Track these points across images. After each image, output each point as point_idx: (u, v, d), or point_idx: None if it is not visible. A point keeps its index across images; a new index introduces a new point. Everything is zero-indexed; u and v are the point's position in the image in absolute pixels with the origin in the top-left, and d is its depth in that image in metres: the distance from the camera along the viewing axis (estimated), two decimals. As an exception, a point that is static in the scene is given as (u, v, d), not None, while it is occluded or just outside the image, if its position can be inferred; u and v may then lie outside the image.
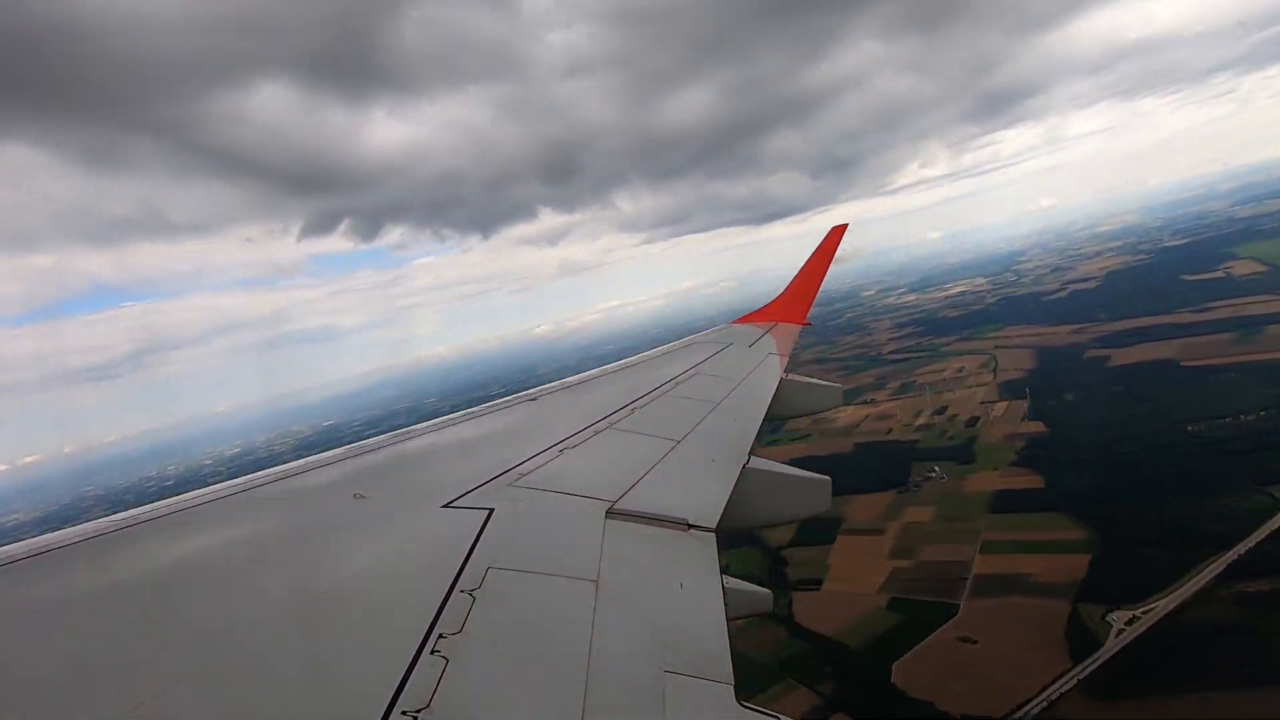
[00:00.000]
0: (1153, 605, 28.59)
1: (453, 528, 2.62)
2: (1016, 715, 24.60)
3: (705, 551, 2.77)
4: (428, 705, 1.48)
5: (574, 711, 1.58)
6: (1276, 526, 31.73)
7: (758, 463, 4.07)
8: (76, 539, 2.48)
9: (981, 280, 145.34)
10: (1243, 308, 66.56)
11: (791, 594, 37.18)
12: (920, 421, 60.57)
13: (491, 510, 2.76)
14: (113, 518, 2.74)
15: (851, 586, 36.26)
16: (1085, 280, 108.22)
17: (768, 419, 5.56)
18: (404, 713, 1.44)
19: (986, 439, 51.67)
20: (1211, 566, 30.29)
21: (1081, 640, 27.61)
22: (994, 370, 69.92)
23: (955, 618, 31.24)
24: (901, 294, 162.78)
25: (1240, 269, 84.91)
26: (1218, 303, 70.89)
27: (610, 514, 2.94)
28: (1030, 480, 42.65)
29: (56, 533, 2.59)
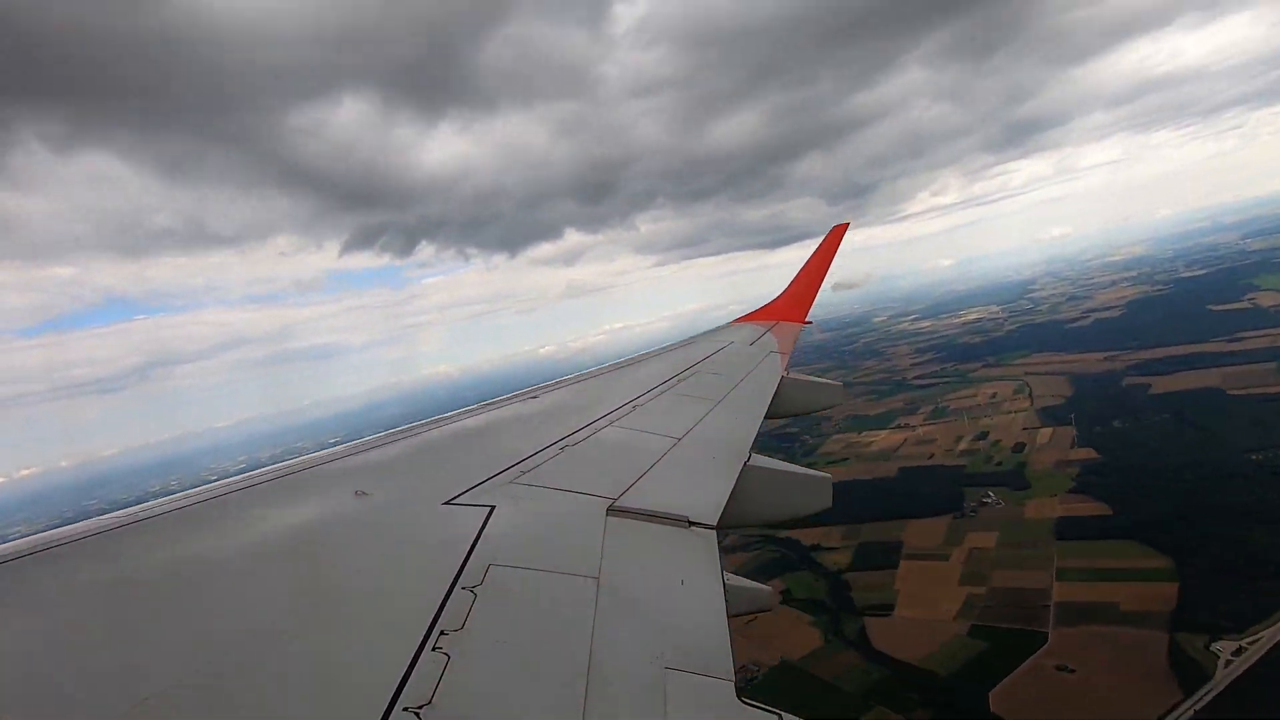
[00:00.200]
0: (1258, 635, 28.13)
1: (454, 525, 2.61)
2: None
3: (706, 549, 2.78)
4: (430, 702, 1.47)
5: (575, 708, 1.58)
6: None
7: (759, 460, 4.07)
8: (78, 536, 2.45)
9: (996, 307, 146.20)
10: (1278, 338, 66.90)
11: (863, 619, 36.60)
12: (962, 447, 60.27)
13: (493, 508, 2.75)
14: (115, 514, 2.72)
15: (926, 613, 35.62)
16: (1107, 309, 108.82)
17: (769, 416, 5.55)
18: (406, 709, 1.43)
19: (1037, 465, 51.32)
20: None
21: (1188, 671, 27.05)
22: (1030, 396, 69.78)
23: (1045, 646, 30.66)
24: (914, 320, 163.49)
25: (1265, 300, 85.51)
26: (1250, 333, 71.22)
27: (611, 511, 2.93)
28: (1094, 507, 42.24)
29: (58, 530, 2.56)
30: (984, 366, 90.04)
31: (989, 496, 47.66)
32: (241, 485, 3.14)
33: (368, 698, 1.49)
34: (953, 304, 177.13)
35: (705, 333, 9.92)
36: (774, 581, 43.62)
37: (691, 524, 2.96)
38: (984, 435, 61.50)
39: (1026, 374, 79.60)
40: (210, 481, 3.27)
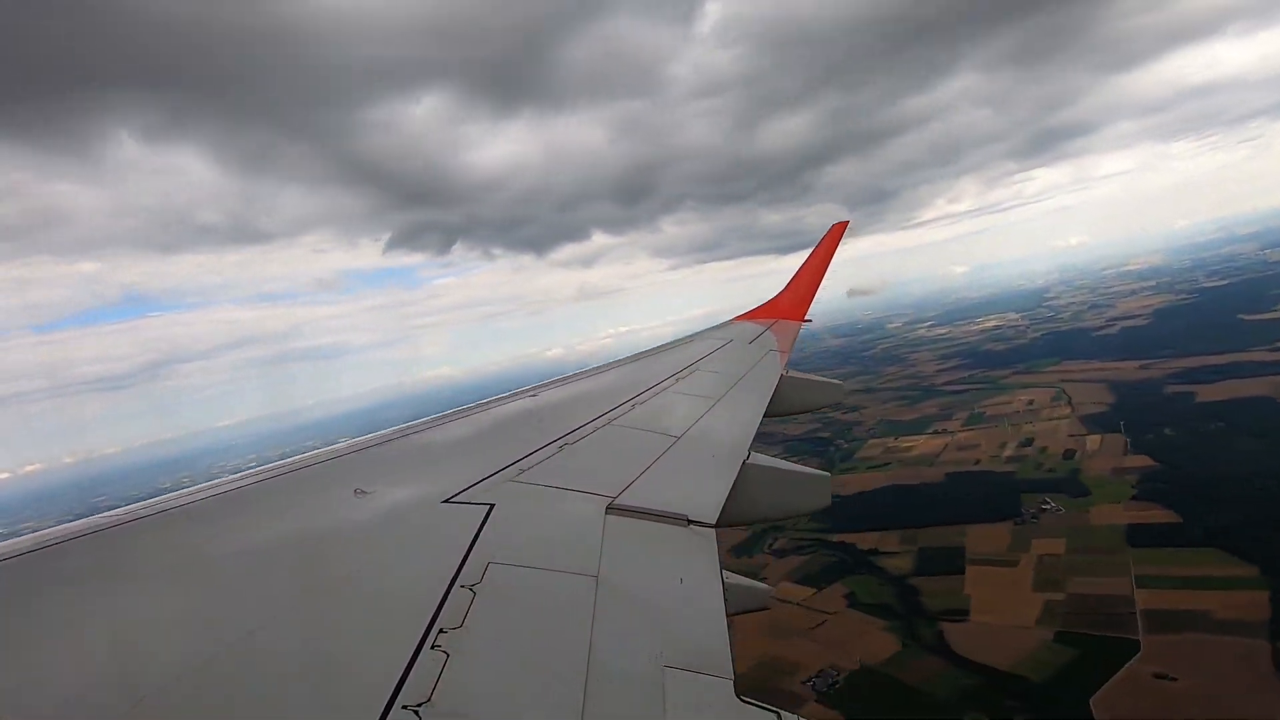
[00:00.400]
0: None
1: (453, 523, 2.61)
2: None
3: (705, 547, 2.79)
4: (429, 700, 1.47)
5: (574, 706, 1.57)
6: None
7: (758, 458, 4.07)
8: (78, 534, 2.44)
9: (1014, 315, 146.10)
10: (1319, 348, 66.80)
11: (938, 624, 36.24)
12: (1008, 453, 59.92)
13: (492, 506, 2.76)
14: (114, 512, 2.71)
15: (1004, 618, 35.25)
16: (1132, 317, 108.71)
17: (768, 415, 5.56)
18: (405, 707, 1.43)
19: (1092, 472, 51.01)
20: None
21: (1298, 680, 26.76)
22: (1070, 404, 69.53)
23: (1139, 654, 30.33)
24: (931, 326, 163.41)
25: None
26: (1289, 342, 71.12)
27: (610, 510, 2.93)
28: (1162, 514, 41.92)
29: (57, 528, 2.55)
30: (1015, 373, 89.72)
31: (1048, 503, 47.35)
32: (241, 484, 3.11)
33: (367, 695, 1.48)
34: (968, 311, 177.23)
35: (705, 330, 9.82)
36: (835, 585, 43.37)
37: (691, 522, 2.97)
38: (1029, 442, 61.18)
39: (1061, 381, 79.35)
40: (219, 478, 3.28)
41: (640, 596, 2.33)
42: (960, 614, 36.71)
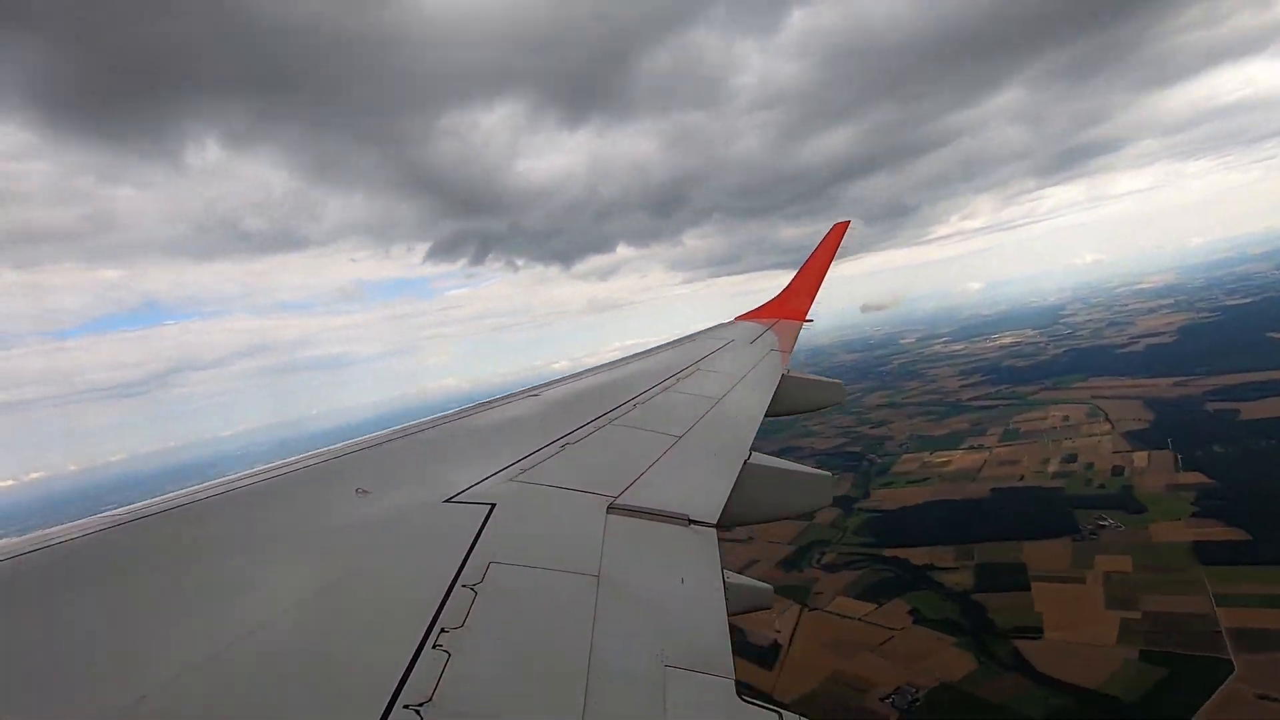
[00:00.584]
0: None
1: (455, 523, 2.61)
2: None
3: (706, 547, 2.78)
4: (430, 699, 1.47)
5: (575, 706, 1.57)
6: None
7: (759, 458, 4.08)
8: (78, 534, 2.44)
9: (1031, 332, 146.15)
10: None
11: (1011, 641, 35.63)
12: (1053, 469, 59.47)
13: (493, 505, 2.75)
14: (114, 512, 2.70)
15: (1080, 636, 34.66)
16: (1155, 335, 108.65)
17: (769, 414, 5.56)
18: (406, 706, 1.44)
19: (1145, 489, 50.53)
20: None
21: None
22: (1108, 420, 69.15)
23: (1235, 674, 29.77)
24: (946, 342, 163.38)
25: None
26: (1324, 361, 70.98)
27: (611, 509, 2.93)
28: (1227, 532, 41.40)
29: (57, 528, 2.55)
30: (1043, 389, 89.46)
31: (1104, 519, 46.85)
32: (242, 483, 3.10)
33: (368, 694, 1.48)
34: (982, 327, 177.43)
35: (706, 330, 9.78)
36: (896, 601, 42.76)
37: (692, 522, 2.96)
38: (1073, 458, 60.73)
39: (1093, 397, 79.02)
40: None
41: (641, 596, 2.32)
42: (1034, 631, 36.10)
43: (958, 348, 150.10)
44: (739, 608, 3.26)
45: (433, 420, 4.60)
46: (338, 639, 1.79)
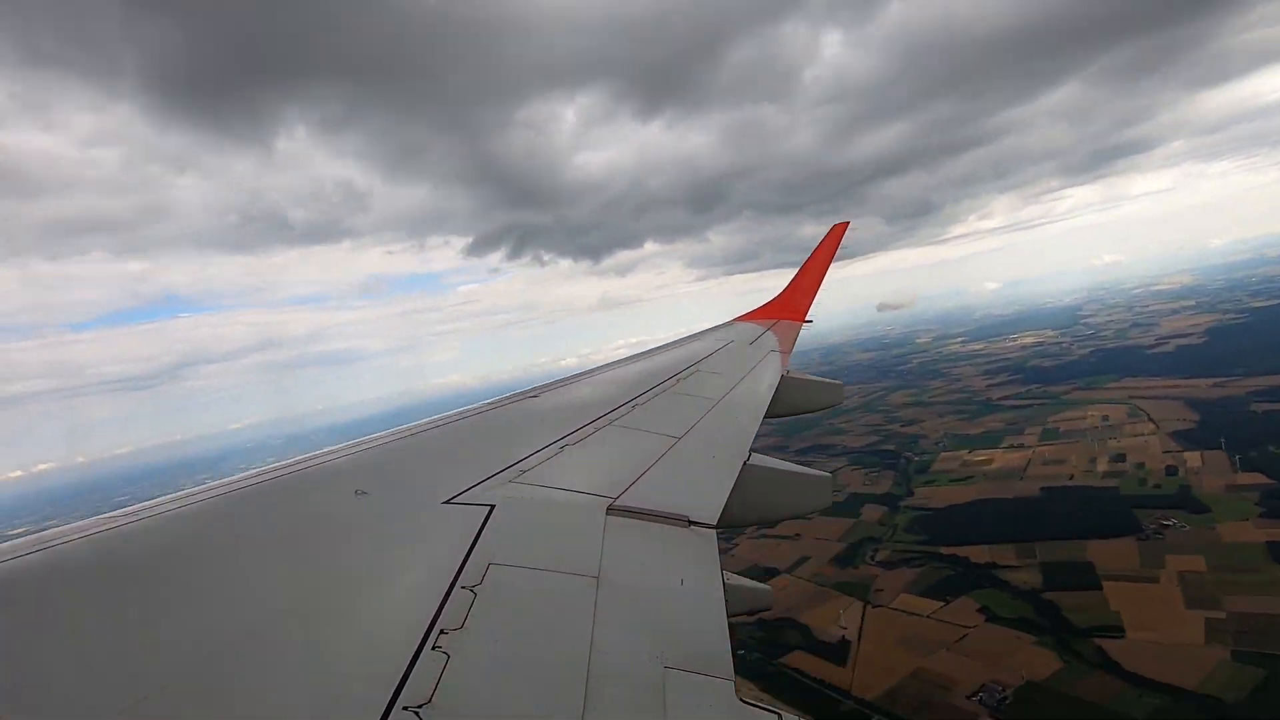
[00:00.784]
0: None
1: (454, 524, 2.62)
2: None
3: (706, 548, 2.78)
4: (429, 701, 1.49)
5: (575, 707, 1.58)
6: None
7: (758, 459, 4.07)
8: (78, 534, 2.44)
9: (1051, 332, 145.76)
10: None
11: (1095, 641, 35.30)
12: (1103, 469, 59.16)
13: (493, 506, 2.76)
14: (114, 513, 2.70)
15: (1166, 636, 34.34)
16: (1182, 336, 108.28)
17: (769, 415, 5.57)
18: (405, 708, 1.45)
19: (1204, 489, 50.20)
20: None
21: None
22: (1151, 420, 68.80)
23: (1338, 674, 29.48)
24: (964, 342, 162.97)
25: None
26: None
27: (611, 510, 2.94)
28: (1300, 532, 41.16)
29: (58, 528, 2.54)
30: (1075, 389, 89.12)
31: (1168, 519, 46.53)
32: (241, 484, 3.10)
33: (367, 696, 1.49)
34: (998, 328, 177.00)
35: (705, 331, 9.79)
36: (962, 599, 42.44)
37: (691, 523, 2.96)
38: (1121, 457, 60.43)
39: (1130, 398, 78.67)
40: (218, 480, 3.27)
41: (641, 597, 2.32)
42: (1115, 631, 35.79)
43: (976, 347, 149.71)
44: (739, 609, 3.26)
45: (432, 421, 4.59)
46: (337, 640, 1.78)
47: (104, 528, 2.54)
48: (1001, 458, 68.67)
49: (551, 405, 5.33)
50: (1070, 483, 57.75)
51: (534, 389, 5.83)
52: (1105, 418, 73.49)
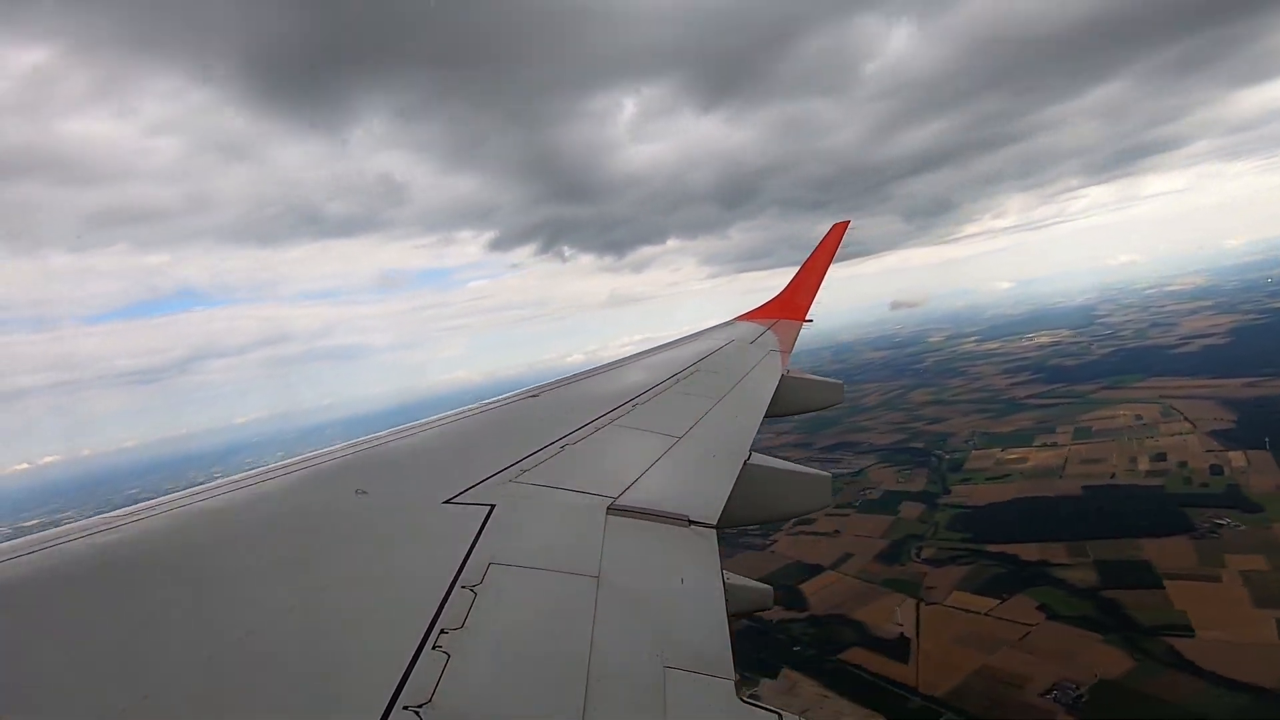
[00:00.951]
0: None
1: (454, 524, 2.60)
2: None
3: (706, 547, 2.78)
4: (429, 700, 1.49)
5: (575, 706, 1.59)
6: None
7: (759, 459, 4.07)
8: (79, 534, 2.41)
9: (1067, 331, 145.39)
10: None
11: (1165, 640, 34.98)
12: (1144, 467, 58.83)
13: (493, 506, 2.75)
14: (115, 513, 2.69)
15: (1238, 635, 34.01)
16: (1206, 336, 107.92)
17: (769, 415, 5.55)
18: (406, 708, 1.45)
19: (1255, 488, 49.80)
20: None
21: None
22: (1187, 420, 68.45)
23: None
24: (978, 341, 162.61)
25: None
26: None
27: (611, 510, 2.93)
28: (1361, 532, 40.84)
29: (58, 528, 2.52)
30: (1102, 388, 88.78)
31: (1222, 519, 46.20)
32: (242, 484, 3.09)
33: (368, 696, 1.49)
34: (1010, 327, 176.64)
35: (705, 330, 9.76)
36: (1018, 597, 42.12)
37: (692, 523, 2.96)
38: (1162, 456, 60.08)
39: (1161, 397, 78.32)
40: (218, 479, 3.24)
41: (641, 597, 2.32)
42: (1183, 630, 35.45)
43: (992, 346, 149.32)
44: (739, 609, 3.29)
45: (432, 420, 4.57)
46: (337, 640, 1.77)
47: (104, 527, 2.50)
48: (1036, 456, 68.34)
49: (552, 405, 5.30)
50: (1112, 481, 57.43)
51: (534, 388, 5.82)
52: (1138, 417, 73.11)
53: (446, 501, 2.84)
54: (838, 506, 65.24)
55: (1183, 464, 57.38)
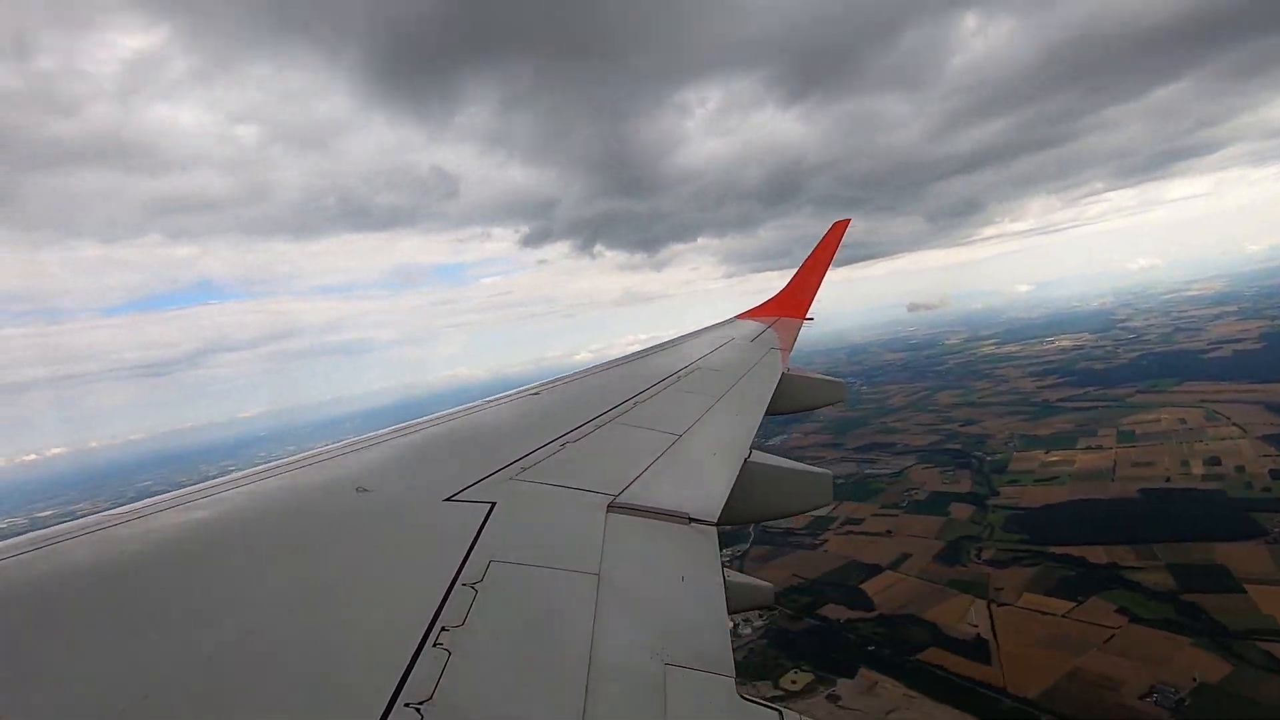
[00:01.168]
0: None
1: (455, 521, 2.61)
2: None
3: (706, 545, 2.77)
4: (430, 698, 1.49)
5: (576, 704, 1.59)
6: None
7: (759, 457, 4.07)
8: (78, 532, 2.43)
9: (1088, 335, 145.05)
10: None
11: (1258, 644, 34.59)
12: (1199, 471, 58.44)
13: (494, 504, 2.75)
14: (115, 511, 2.70)
15: (1335, 639, 33.66)
16: (1235, 341, 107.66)
17: (770, 413, 5.56)
18: (407, 705, 1.46)
19: (1320, 493, 49.54)
20: None
21: None
22: (1235, 424, 68.04)
23: None
24: (997, 344, 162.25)
25: None
26: None
27: (612, 508, 2.93)
28: None
29: (58, 526, 2.54)
30: (1138, 392, 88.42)
31: (1293, 523, 45.83)
32: (242, 482, 3.10)
33: (369, 693, 1.49)
34: (1027, 330, 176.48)
35: (706, 329, 9.76)
36: (1093, 599, 41.72)
37: (692, 520, 2.96)
38: (1216, 461, 59.68)
39: (1202, 401, 77.96)
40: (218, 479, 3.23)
41: (641, 595, 2.32)
42: (1274, 634, 35.04)
43: (1012, 349, 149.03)
44: (739, 606, 3.27)
45: (433, 419, 4.57)
46: (338, 638, 1.77)
47: (104, 525, 2.49)
48: (1081, 459, 67.92)
49: (553, 402, 5.33)
50: (1168, 485, 57.03)
51: (535, 386, 5.84)
52: (1182, 421, 72.69)
53: (447, 499, 2.83)
54: (884, 506, 65.02)
55: (1240, 468, 56.92)
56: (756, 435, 4.57)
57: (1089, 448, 70.64)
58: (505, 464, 3.33)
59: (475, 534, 2.43)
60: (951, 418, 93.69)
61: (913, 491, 66.90)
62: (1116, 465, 63.73)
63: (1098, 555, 46.85)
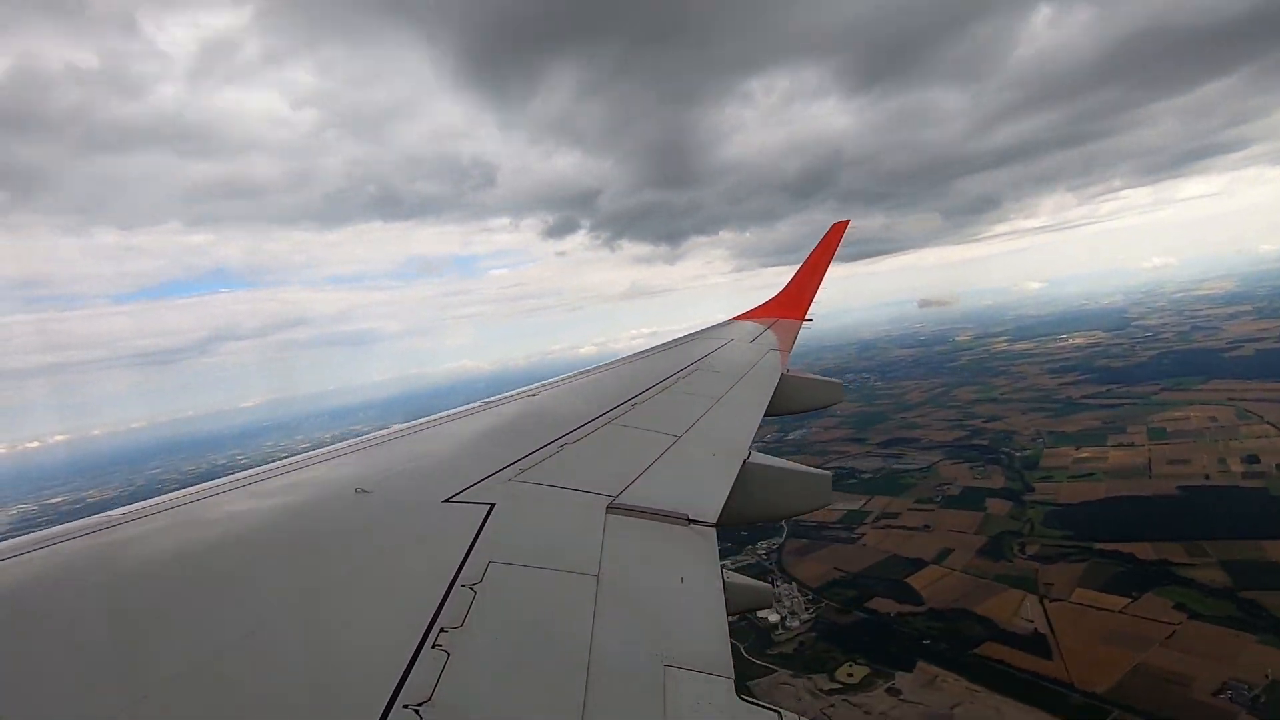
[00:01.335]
0: None
1: (454, 522, 2.61)
2: None
3: (705, 546, 2.77)
4: (429, 699, 1.50)
5: (575, 705, 1.59)
6: None
7: (758, 458, 4.08)
8: (80, 532, 2.44)
9: (1101, 333, 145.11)
10: None
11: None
12: (1237, 469, 58.38)
13: (493, 505, 2.76)
14: (114, 511, 2.72)
15: (1404, 638, 33.60)
16: (1256, 340, 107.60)
17: (769, 414, 5.54)
18: (405, 706, 1.46)
19: (1367, 491, 49.49)
20: None
21: None
22: (1268, 422, 67.99)
23: None
24: (1010, 341, 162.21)
25: None
26: None
27: (611, 509, 2.94)
28: None
29: (57, 527, 2.55)
30: (1163, 390, 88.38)
31: (1344, 521, 45.78)
32: (242, 482, 3.11)
33: (368, 694, 1.50)
34: (1038, 327, 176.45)
35: (705, 330, 9.75)
36: (1148, 595, 41.64)
37: (691, 521, 2.96)
38: (1254, 459, 59.63)
39: (1230, 399, 77.95)
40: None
41: (641, 596, 2.31)
42: (1340, 631, 35.01)
43: (1026, 346, 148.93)
44: (739, 607, 3.27)
45: (431, 419, 4.57)
46: (337, 639, 1.77)
47: (105, 525, 2.50)
48: (1114, 456, 67.81)
49: (552, 403, 5.32)
50: (1208, 482, 56.96)
51: (534, 387, 5.82)
52: (1213, 419, 72.66)
53: (446, 500, 2.84)
54: (918, 500, 64.94)
55: (1278, 466, 56.94)
56: (769, 431, 4.45)
57: (1120, 445, 70.51)
58: (504, 465, 3.34)
59: (474, 535, 2.43)
60: (974, 414, 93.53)
61: (945, 487, 66.76)
62: (1151, 462, 63.62)
63: (1145, 552, 46.73)
